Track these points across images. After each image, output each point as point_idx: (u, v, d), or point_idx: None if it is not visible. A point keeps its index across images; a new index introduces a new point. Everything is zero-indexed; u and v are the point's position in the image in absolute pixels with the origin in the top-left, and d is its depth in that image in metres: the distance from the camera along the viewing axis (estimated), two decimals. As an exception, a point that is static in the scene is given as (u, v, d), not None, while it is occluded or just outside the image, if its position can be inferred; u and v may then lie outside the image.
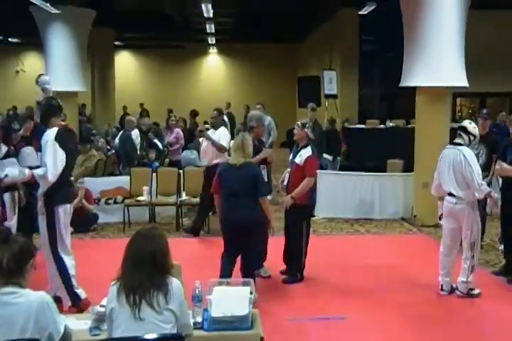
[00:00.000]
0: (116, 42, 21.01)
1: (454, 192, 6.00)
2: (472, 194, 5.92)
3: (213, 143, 8.36)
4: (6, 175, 5.66)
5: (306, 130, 6.50)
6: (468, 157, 5.92)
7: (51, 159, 5.32)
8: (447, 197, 6.07)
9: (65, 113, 11.62)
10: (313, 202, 7.76)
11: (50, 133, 5.41)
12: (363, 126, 14.01)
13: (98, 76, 19.21)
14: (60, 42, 12.88)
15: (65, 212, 5.48)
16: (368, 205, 9.83)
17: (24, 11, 12.68)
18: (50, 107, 5.61)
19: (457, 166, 5.95)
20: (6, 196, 6.42)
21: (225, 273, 5.64)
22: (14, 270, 3.13)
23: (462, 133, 6.09)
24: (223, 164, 6.17)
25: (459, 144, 6.06)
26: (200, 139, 8.67)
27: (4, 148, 6.39)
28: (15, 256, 3.12)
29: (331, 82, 14.34)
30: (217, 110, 8.87)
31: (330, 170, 11.09)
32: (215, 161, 8.27)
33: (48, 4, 11.77)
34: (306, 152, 6.39)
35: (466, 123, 6.21)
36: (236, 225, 5.65)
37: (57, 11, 12.20)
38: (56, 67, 12.90)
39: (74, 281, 5.56)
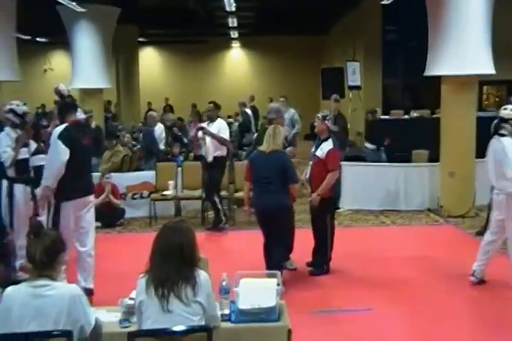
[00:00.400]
0: (140, 39, 21.13)
1: (494, 183, 5.93)
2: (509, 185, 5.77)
3: (214, 137, 8.39)
4: None
5: (326, 122, 6.49)
6: (507, 146, 5.78)
7: (48, 160, 5.63)
8: (494, 188, 5.98)
9: (91, 109, 11.86)
10: (338, 194, 7.76)
11: (57, 130, 5.57)
12: (387, 116, 13.91)
13: (123, 73, 19.35)
14: (86, 40, 13.06)
15: (72, 207, 5.59)
16: (393, 196, 9.78)
17: (51, 11, 12.86)
18: (65, 105, 5.85)
19: (497, 156, 5.86)
20: (37, 191, 6.55)
21: (267, 264, 5.82)
22: (46, 263, 3.21)
23: (503, 124, 5.92)
24: (254, 152, 6.23)
25: (503, 135, 5.91)
26: (200, 133, 8.66)
27: (34, 145, 6.51)
28: (47, 250, 3.20)
29: (354, 73, 14.25)
30: (213, 103, 8.91)
31: (372, 160, 10.94)
32: (215, 154, 8.37)
33: (74, 3, 11.93)
34: (328, 145, 6.39)
35: (504, 112, 5.95)
36: (265, 211, 5.87)
37: (83, 10, 12.37)
38: (82, 64, 13.10)
39: None
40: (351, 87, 14.24)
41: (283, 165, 5.89)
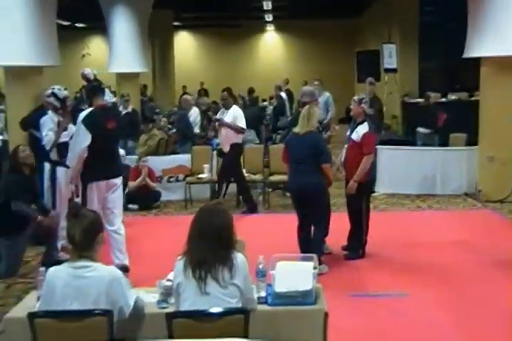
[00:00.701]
0: (175, 23, 21.15)
1: None
2: None
3: (230, 127, 8.36)
4: None
5: (362, 105, 6.43)
6: None
7: (72, 143, 5.80)
8: None
9: (128, 93, 11.97)
10: (373, 177, 7.70)
11: (82, 114, 5.69)
12: (443, 99, 13.63)
13: (158, 57, 19.43)
14: (123, 25, 13.16)
15: (98, 188, 5.70)
16: (429, 180, 9.66)
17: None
18: (92, 89, 6.03)
19: None
20: None
21: (303, 248, 5.86)
22: (86, 244, 3.27)
23: None
24: (290, 133, 6.22)
25: None
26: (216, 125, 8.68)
27: (73, 129, 6.63)
28: (86, 230, 3.26)
29: (390, 56, 14.05)
30: (227, 90, 8.88)
31: (424, 144, 10.78)
32: (233, 141, 8.37)
33: (112, -11, 12.00)
34: (363, 128, 6.34)
35: None
36: (299, 190, 5.92)
37: (120, -5, 12.44)
38: (119, 49, 13.20)
39: None
40: (387, 70, 14.06)
41: (316, 145, 5.91)
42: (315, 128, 6.07)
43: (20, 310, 3.56)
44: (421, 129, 11.18)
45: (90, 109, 5.74)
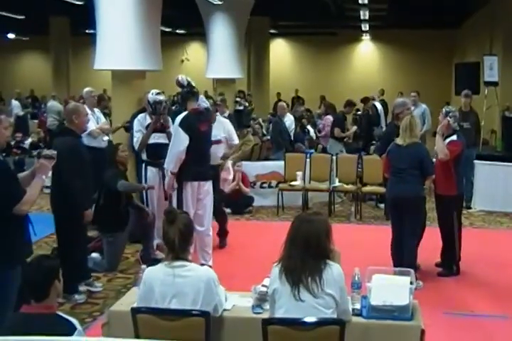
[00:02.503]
0: (271, 30, 21.37)
1: None
2: None
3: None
4: None
5: (448, 119, 6.25)
6: None
7: (170, 146, 6.02)
8: None
9: (225, 98, 12.22)
10: (464, 192, 7.42)
11: (179, 118, 5.97)
12: (526, 114, 13.15)
13: (254, 63, 19.67)
14: (221, 32, 13.44)
15: (192, 188, 5.95)
16: (530, 199, 9.26)
17: (190, 4, 13.36)
18: (186, 93, 6.19)
19: None
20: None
21: (396, 261, 5.82)
22: (183, 247, 3.40)
23: None
24: (392, 145, 6.14)
25: None
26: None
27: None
28: (182, 235, 3.39)
29: (491, 69, 13.57)
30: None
31: None
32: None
33: (212, -4, 12.32)
34: (451, 138, 6.22)
35: None
36: (400, 198, 5.86)
37: (219, 2, 12.72)
38: (217, 55, 13.48)
39: None
40: (488, 83, 13.60)
41: (420, 157, 5.86)
42: (418, 139, 6.01)
43: (123, 304, 3.71)
44: None
45: (185, 113, 6.01)
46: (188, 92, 6.19)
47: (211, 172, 6.35)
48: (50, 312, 2.94)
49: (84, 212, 5.40)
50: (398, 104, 7.06)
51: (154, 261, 4.58)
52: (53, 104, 14.91)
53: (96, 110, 8.24)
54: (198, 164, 5.96)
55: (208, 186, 6.12)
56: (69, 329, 2.84)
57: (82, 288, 5.67)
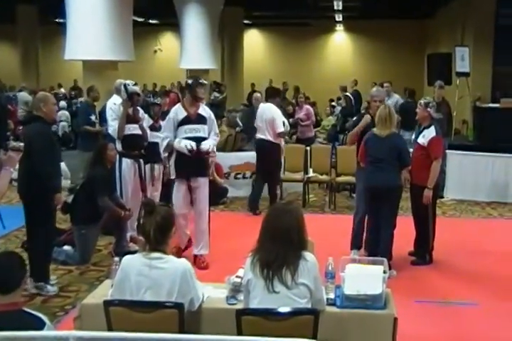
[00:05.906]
0: (245, 21, 21.29)
1: None
2: None
3: None
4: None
5: (429, 109, 6.30)
6: None
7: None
8: None
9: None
10: (440, 182, 7.52)
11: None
12: (496, 105, 13.30)
13: (228, 54, 19.61)
14: (195, 22, 13.38)
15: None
16: (501, 188, 9.36)
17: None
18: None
19: None
20: (147, 168, 6.87)
21: (371, 251, 5.85)
22: (160, 239, 3.36)
23: None
24: (369, 134, 6.15)
25: None
26: None
27: (149, 122, 7.04)
28: (160, 227, 3.35)
29: (463, 59, 13.70)
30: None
31: None
32: None
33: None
34: (430, 132, 6.24)
35: None
36: (376, 188, 5.88)
37: (193, -8, 12.62)
38: (190, 45, 13.42)
39: None
40: (459, 74, 13.71)
41: (398, 147, 5.91)
42: (395, 129, 6.05)
43: (95, 297, 3.67)
44: None
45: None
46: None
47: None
48: (15, 308, 2.88)
49: (55, 194, 5.31)
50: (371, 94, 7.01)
51: (127, 254, 4.55)
52: (22, 95, 14.69)
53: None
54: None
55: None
56: (37, 325, 2.80)
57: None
